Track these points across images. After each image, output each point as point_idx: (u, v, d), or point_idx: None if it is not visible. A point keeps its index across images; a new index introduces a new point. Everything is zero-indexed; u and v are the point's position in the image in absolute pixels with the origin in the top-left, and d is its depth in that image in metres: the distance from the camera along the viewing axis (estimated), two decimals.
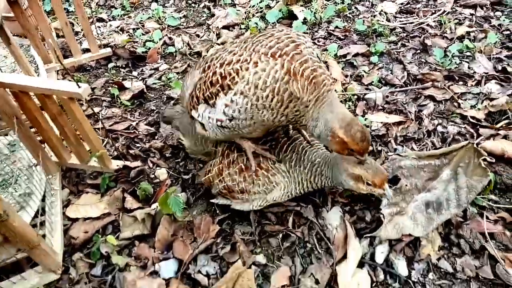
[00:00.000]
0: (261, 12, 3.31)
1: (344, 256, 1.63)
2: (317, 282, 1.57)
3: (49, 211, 1.86)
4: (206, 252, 1.70)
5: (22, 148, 2.15)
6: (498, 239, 1.64)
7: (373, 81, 2.41)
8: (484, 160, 1.75)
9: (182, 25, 3.38)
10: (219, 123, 1.47)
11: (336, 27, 3.00)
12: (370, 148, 1.86)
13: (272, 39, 1.38)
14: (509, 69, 2.29)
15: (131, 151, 2.14)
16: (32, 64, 2.75)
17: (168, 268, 1.66)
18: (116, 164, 2.03)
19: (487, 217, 1.71)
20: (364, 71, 2.51)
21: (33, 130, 1.91)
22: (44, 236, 1.73)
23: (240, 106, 1.36)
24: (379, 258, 1.63)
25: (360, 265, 1.61)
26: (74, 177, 2.08)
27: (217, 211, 1.84)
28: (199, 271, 1.64)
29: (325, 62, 2.58)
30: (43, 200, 1.90)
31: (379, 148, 2.03)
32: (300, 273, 1.61)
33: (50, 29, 2.73)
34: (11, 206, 1.39)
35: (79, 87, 1.62)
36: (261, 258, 1.66)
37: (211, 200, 1.80)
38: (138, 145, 2.21)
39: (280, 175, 1.61)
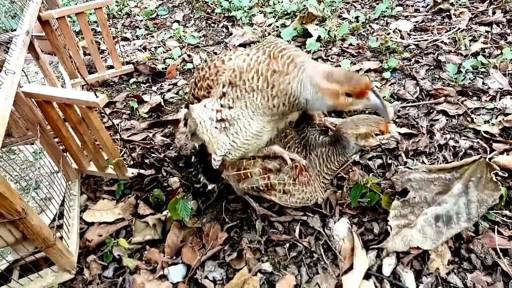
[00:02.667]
0: (277, 30, 3.41)
1: (351, 267, 1.62)
2: None
3: (67, 215, 1.95)
4: (214, 258, 1.73)
5: (45, 156, 2.28)
6: None
7: (385, 96, 2.43)
8: (496, 174, 1.72)
9: (201, 44, 3.52)
10: (220, 124, 1.55)
11: (350, 44, 3.05)
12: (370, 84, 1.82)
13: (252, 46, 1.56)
14: None
15: (146, 160, 2.22)
16: (60, 79, 2.93)
17: (176, 272, 1.69)
18: (131, 172, 2.11)
19: (500, 233, 1.67)
20: (376, 87, 2.54)
21: (56, 140, 2.04)
22: (61, 238, 1.81)
23: (231, 96, 1.47)
24: (386, 270, 1.62)
25: (367, 276, 1.60)
26: (92, 184, 2.18)
27: (226, 219, 1.88)
28: (206, 277, 1.67)
29: None
30: (62, 204, 2.00)
31: (389, 162, 2.04)
32: (306, 283, 1.61)
33: (77, 47, 2.91)
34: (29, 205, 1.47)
35: (97, 97, 1.73)
36: (267, 266, 1.67)
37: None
38: (153, 155, 2.30)
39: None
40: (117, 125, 2.57)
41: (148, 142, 2.41)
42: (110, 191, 2.11)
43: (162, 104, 2.70)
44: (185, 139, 2.27)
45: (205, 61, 3.12)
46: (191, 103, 1.72)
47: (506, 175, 1.80)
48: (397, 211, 1.72)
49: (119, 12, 4.28)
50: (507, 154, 1.91)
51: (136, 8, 4.35)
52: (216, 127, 1.57)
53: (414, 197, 1.75)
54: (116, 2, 4.43)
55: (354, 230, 1.75)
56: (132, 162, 2.23)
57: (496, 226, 1.68)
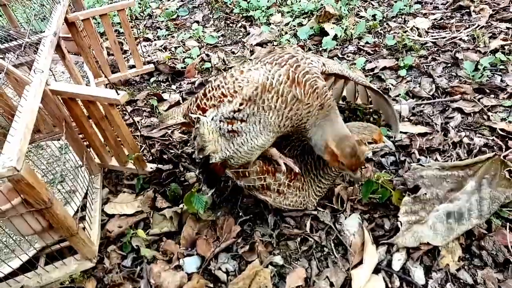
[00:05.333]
0: (293, 29, 3.44)
1: (360, 262, 1.65)
2: (331, 285, 1.60)
3: (90, 207, 2.06)
4: (227, 250, 1.80)
5: (70, 151, 2.41)
6: None
7: (400, 94, 2.43)
8: (510, 171, 1.71)
9: (220, 43, 3.60)
10: (230, 126, 1.55)
11: (367, 42, 3.05)
12: (365, 167, 1.96)
13: (274, 55, 1.54)
14: None
15: (164, 156, 2.31)
16: (85, 78, 3.07)
17: (191, 263, 1.77)
18: (150, 166, 2.21)
19: None
20: (392, 84, 2.54)
21: (80, 136, 2.15)
22: (84, 228, 1.92)
23: (247, 112, 1.48)
24: (396, 266, 1.64)
25: (376, 271, 1.62)
26: (114, 178, 2.29)
27: (240, 213, 1.94)
28: (219, 268, 1.73)
29: None
30: (85, 197, 2.11)
31: (402, 159, 2.04)
32: (316, 276, 1.65)
33: (101, 48, 3.04)
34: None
35: (118, 94, 1.82)
36: (278, 259, 1.72)
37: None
38: (171, 151, 2.38)
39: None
40: (138, 122, 2.67)
41: (167, 138, 2.50)
42: (130, 185, 2.21)
43: (181, 102, 2.79)
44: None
45: (223, 68, 3.18)
46: (191, 115, 1.74)
47: None
48: (407, 207, 1.73)
49: (142, 14, 4.42)
50: None
51: (157, 10, 4.48)
52: (224, 136, 1.59)
53: (425, 194, 1.76)
54: (139, 3, 4.57)
55: (364, 226, 1.78)
56: (151, 158, 2.32)
57: (508, 224, 1.67)
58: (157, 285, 1.69)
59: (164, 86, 3.11)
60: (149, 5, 4.56)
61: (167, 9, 4.40)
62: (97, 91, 1.88)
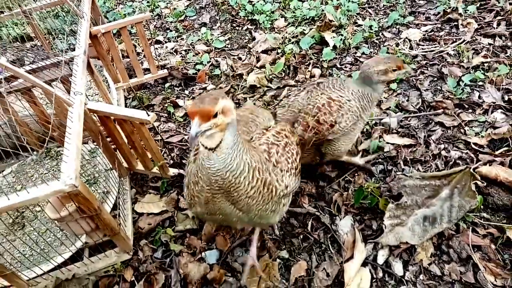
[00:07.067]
0: (296, 37, 3.72)
1: (352, 257, 2.02)
2: (328, 275, 1.98)
3: (122, 206, 2.41)
4: (241, 246, 2.16)
5: (98, 155, 2.74)
6: (484, 251, 1.97)
7: (390, 107, 2.76)
8: (476, 184, 2.07)
9: (227, 47, 3.87)
10: None
11: (363, 53, 3.35)
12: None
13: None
14: None
15: (184, 161, 2.65)
16: (105, 82, 3.36)
17: (211, 256, 2.14)
18: (172, 171, 2.54)
19: (477, 232, 2.03)
20: (384, 97, 2.86)
21: (111, 143, 2.47)
22: (119, 225, 2.28)
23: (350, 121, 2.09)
24: (380, 260, 2.02)
25: (364, 264, 2.00)
26: (140, 180, 2.63)
27: None
28: (235, 260, 2.11)
29: None
30: (117, 198, 2.46)
31: (389, 168, 2.40)
32: (315, 267, 2.02)
33: (120, 58, 3.30)
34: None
35: (148, 115, 2.14)
36: (284, 254, 2.09)
37: None
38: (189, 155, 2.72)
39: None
40: (157, 127, 2.99)
41: (184, 143, 2.83)
42: (155, 187, 2.56)
43: None
44: None
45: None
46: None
47: (485, 184, 2.14)
48: (391, 212, 2.10)
49: (151, 14, 4.64)
50: (490, 165, 2.24)
51: (166, 9, 4.70)
52: None
53: (406, 202, 2.13)
54: (148, 2, 4.78)
55: (356, 226, 2.15)
56: (171, 162, 2.66)
57: (473, 227, 2.04)
58: (185, 274, 2.07)
59: (177, 90, 3.40)
60: (158, 4, 4.77)
61: (175, 8, 4.63)
62: (130, 111, 2.19)
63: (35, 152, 2.83)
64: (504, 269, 1.86)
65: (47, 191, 1.62)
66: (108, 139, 2.44)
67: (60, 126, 2.60)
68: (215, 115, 1.22)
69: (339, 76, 3.13)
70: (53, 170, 2.76)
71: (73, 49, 2.54)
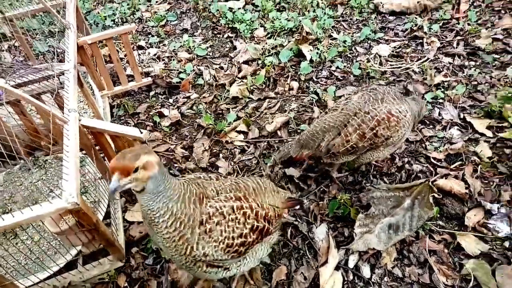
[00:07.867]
0: (275, 49, 3.91)
1: (326, 261, 2.28)
2: (305, 278, 2.23)
3: (114, 215, 2.55)
4: None
5: (87, 164, 2.84)
6: (438, 255, 2.28)
7: None
8: (433, 197, 2.38)
9: (209, 55, 4.01)
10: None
11: (337, 67, 3.60)
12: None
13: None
14: (468, 118, 2.89)
15: (170, 171, 2.81)
16: (90, 89, 3.42)
17: None
18: None
19: (434, 238, 2.34)
20: None
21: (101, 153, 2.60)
22: (112, 234, 2.43)
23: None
24: (351, 264, 2.29)
25: (337, 268, 2.26)
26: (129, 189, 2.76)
27: None
28: None
29: (325, 101, 3.21)
30: (108, 206, 2.60)
31: (360, 179, 2.67)
32: (294, 272, 2.27)
33: (105, 67, 3.36)
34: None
35: (141, 132, 2.29)
36: (266, 259, 2.33)
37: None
38: (176, 165, 2.88)
39: None
40: None
41: (171, 153, 2.98)
42: None
43: (180, 120, 3.24)
44: None
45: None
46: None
47: (441, 196, 2.45)
48: (361, 221, 2.38)
49: (132, 16, 4.68)
50: (446, 178, 2.56)
51: (146, 13, 4.75)
52: None
53: (374, 211, 2.41)
54: (128, 5, 4.81)
55: (330, 234, 2.41)
56: None
57: (430, 233, 2.35)
58: (175, 280, 2.26)
59: (161, 98, 3.53)
60: (138, 7, 4.81)
61: (155, 12, 4.69)
62: (123, 128, 2.33)
63: (22, 161, 2.90)
64: (454, 270, 2.17)
65: (50, 209, 1.75)
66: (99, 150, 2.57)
67: (46, 136, 2.70)
68: (136, 170, 1.35)
69: (315, 91, 3.36)
70: (41, 179, 2.84)
71: (58, 55, 2.60)
